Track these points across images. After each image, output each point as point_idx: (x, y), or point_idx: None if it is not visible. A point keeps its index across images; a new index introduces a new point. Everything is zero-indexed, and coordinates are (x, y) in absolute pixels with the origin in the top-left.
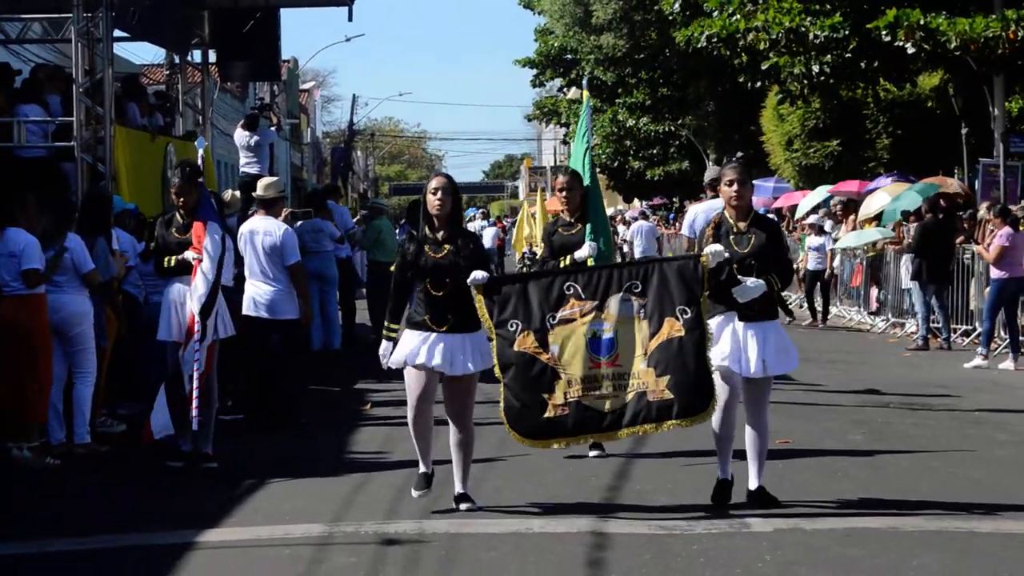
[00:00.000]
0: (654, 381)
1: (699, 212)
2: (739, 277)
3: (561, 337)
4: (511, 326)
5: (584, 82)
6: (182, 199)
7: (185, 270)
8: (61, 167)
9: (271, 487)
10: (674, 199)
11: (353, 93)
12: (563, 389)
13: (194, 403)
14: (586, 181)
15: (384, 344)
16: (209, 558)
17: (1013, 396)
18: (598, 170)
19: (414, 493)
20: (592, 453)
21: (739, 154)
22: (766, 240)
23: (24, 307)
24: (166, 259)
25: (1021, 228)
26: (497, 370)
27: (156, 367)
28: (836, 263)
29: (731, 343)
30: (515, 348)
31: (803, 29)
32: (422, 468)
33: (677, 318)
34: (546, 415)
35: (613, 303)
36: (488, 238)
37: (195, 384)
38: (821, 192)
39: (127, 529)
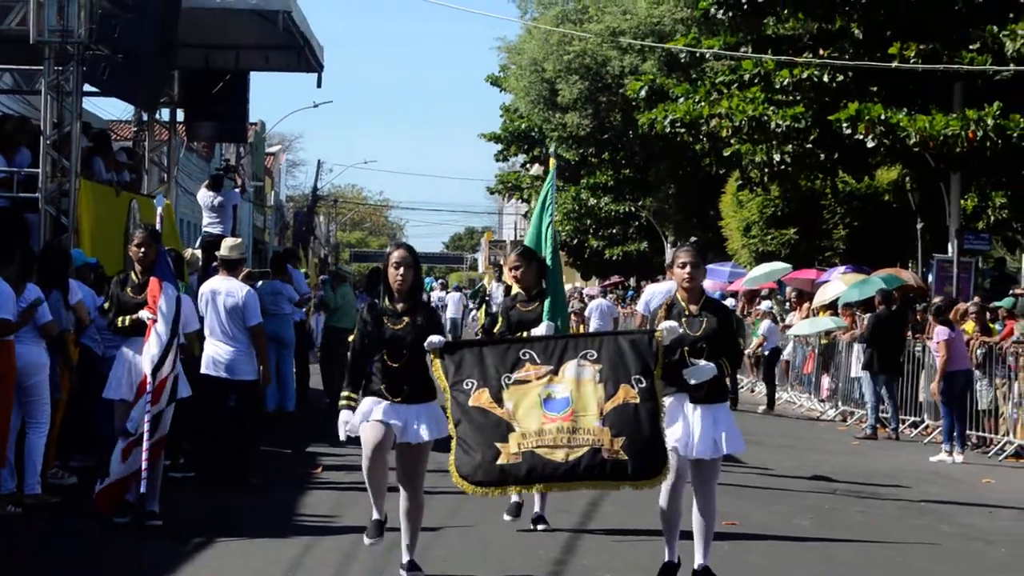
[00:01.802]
0: (609, 440)
1: (656, 292)
2: (690, 360)
3: (516, 396)
4: (466, 384)
5: (552, 150)
6: (143, 252)
7: (139, 330)
8: (24, 217)
9: (219, 546)
10: (631, 279)
11: (318, 159)
12: (517, 440)
13: (144, 463)
14: (547, 255)
15: (344, 413)
16: None
17: (958, 488)
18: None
19: (366, 541)
20: (539, 527)
21: (694, 238)
22: (717, 324)
23: None
24: (120, 319)
25: (968, 321)
26: (451, 426)
27: (110, 421)
28: (788, 350)
29: (681, 426)
30: (470, 404)
31: (765, 118)
32: (375, 515)
33: (632, 386)
34: (499, 462)
35: (569, 368)
36: (452, 306)
37: (144, 444)
38: (772, 268)
39: None
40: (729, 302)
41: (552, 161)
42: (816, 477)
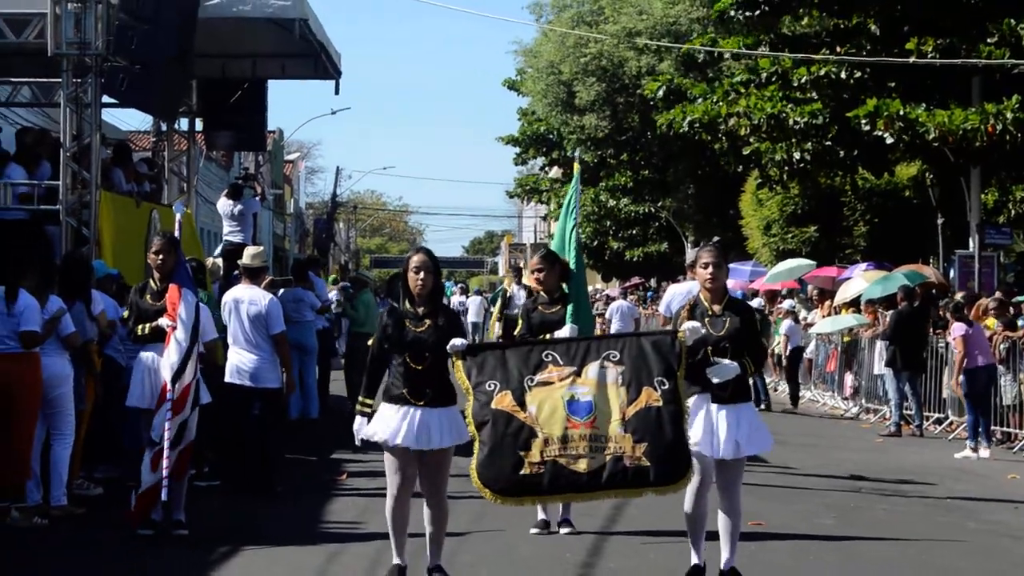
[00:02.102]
0: (631, 447)
1: (677, 293)
2: (713, 359)
3: (539, 398)
4: (489, 386)
5: (576, 153)
6: (161, 258)
7: (159, 337)
8: (45, 229)
9: (245, 554)
10: (651, 280)
11: (337, 165)
12: (539, 448)
13: (164, 471)
14: (571, 258)
15: (358, 420)
16: None
17: (984, 484)
18: None
19: None
20: (563, 530)
21: (716, 238)
22: (740, 323)
23: (18, 366)
24: (140, 327)
25: (989, 316)
26: (472, 429)
27: (134, 431)
28: (811, 348)
29: (704, 426)
30: (492, 406)
31: (784, 116)
32: (395, 559)
33: (655, 388)
34: (521, 472)
35: (591, 369)
36: (473, 309)
37: (165, 453)
38: (794, 265)
39: None
40: (756, 302)
41: (577, 165)
42: (853, 477)
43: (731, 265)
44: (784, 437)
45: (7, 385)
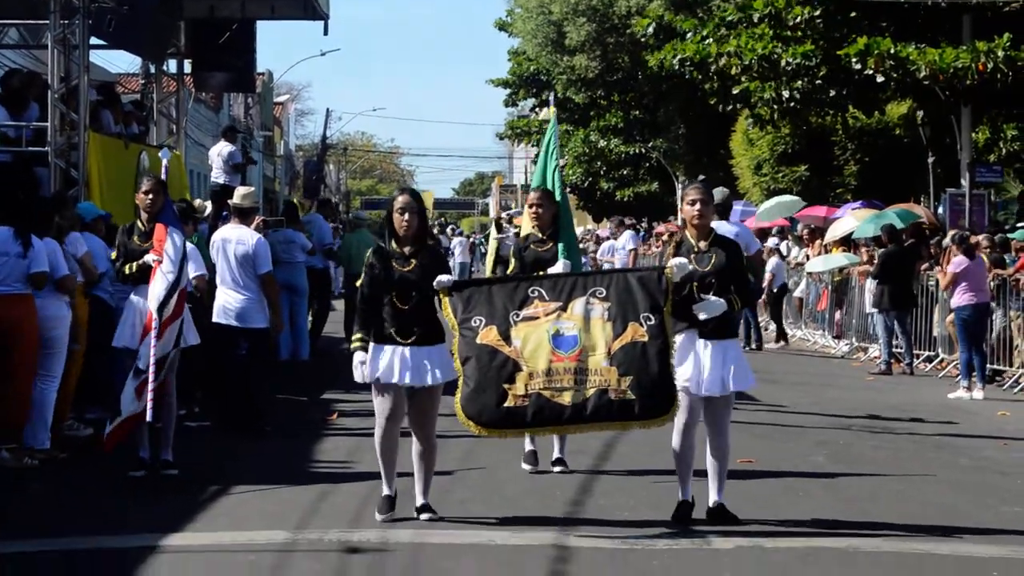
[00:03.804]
0: (616, 379)
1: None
2: (699, 296)
3: (524, 332)
4: (475, 322)
5: (551, 99)
6: (150, 198)
7: (147, 277)
8: (34, 171)
9: (235, 494)
10: (643, 220)
11: (327, 107)
12: (524, 381)
13: (148, 397)
14: (557, 197)
15: (358, 355)
16: (173, 562)
17: (974, 422)
18: (568, 190)
19: (378, 517)
20: (556, 469)
21: (701, 176)
22: (726, 259)
23: (19, 307)
24: (127, 266)
25: (982, 254)
26: (457, 364)
27: (124, 373)
28: (802, 287)
29: (692, 365)
30: (478, 341)
31: (775, 56)
32: (385, 490)
33: (641, 324)
34: (505, 404)
35: (577, 305)
36: (460, 250)
37: (150, 380)
38: (782, 201)
39: (91, 532)
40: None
41: (552, 110)
42: (867, 416)
43: None
44: (775, 376)
45: (9, 327)
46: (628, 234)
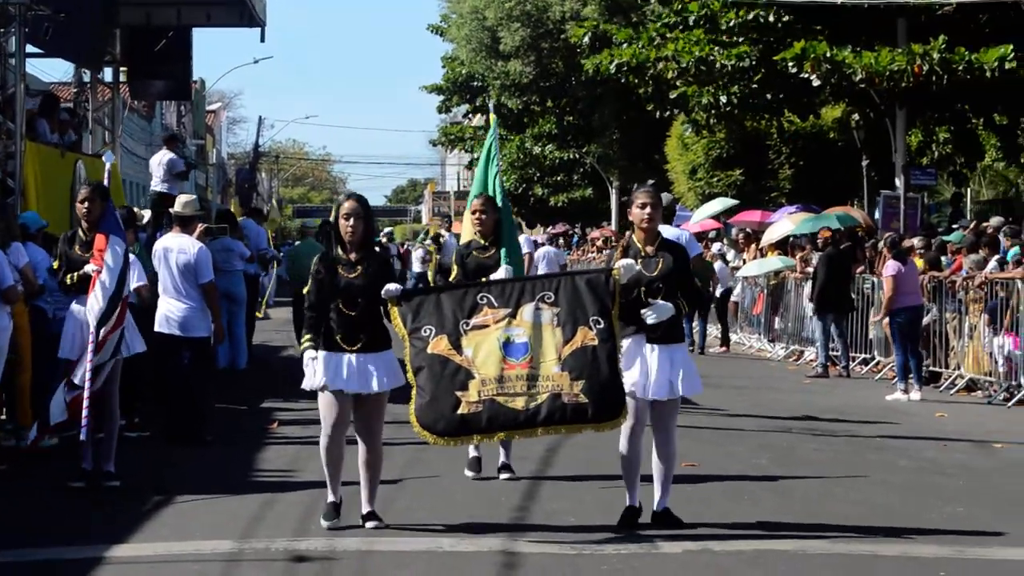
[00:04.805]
0: (568, 384)
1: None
2: (648, 300)
3: (475, 341)
4: (424, 331)
5: (491, 105)
6: (87, 207)
7: (88, 286)
8: None
9: (178, 504)
10: (576, 226)
11: (259, 115)
12: (477, 388)
13: (84, 413)
14: (499, 204)
15: (309, 352)
16: (119, 573)
17: (913, 424)
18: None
19: (324, 523)
20: (503, 476)
21: (651, 180)
22: (674, 263)
23: None
24: (68, 276)
25: (914, 256)
26: (410, 375)
27: (57, 383)
28: (737, 291)
29: (639, 369)
30: (429, 351)
31: (712, 59)
32: (331, 497)
33: (590, 328)
34: (459, 412)
35: (526, 311)
36: (417, 262)
37: (86, 395)
38: (718, 204)
39: (34, 544)
40: (717, 247)
41: (492, 117)
42: (806, 417)
43: None
44: (715, 380)
45: None
46: (523, 238)
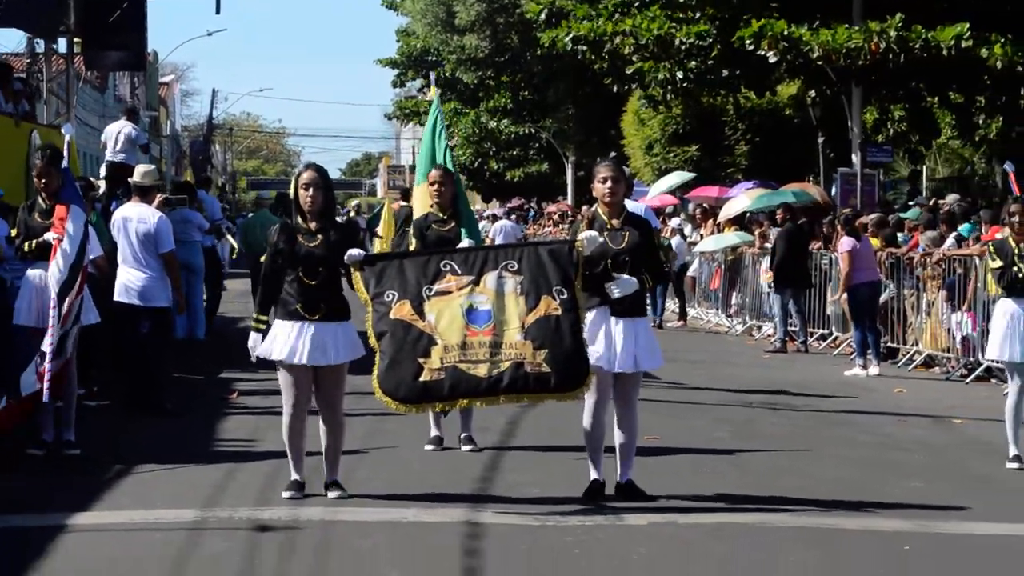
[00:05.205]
0: (531, 353)
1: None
2: (613, 274)
3: (437, 307)
4: (387, 296)
5: (432, 77)
6: (44, 181)
7: (46, 255)
8: None
9: (139, 473)
10: (532, 201)
11: (213, 88)
12: (439, 354)
13: (45, 385)
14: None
15: (253, 336)
16: (82, 541)
17: (872, 399)
18: (458, 170)
19: (284, 495)
20: (465, 448)
21: (612, 153)
22: (639, 238)
23: None
24: (27, 243)
25: (868, 235)
26: (372, 340)
27: (25, 350)
28: (695, 266)
29: (603, 342)
30: (391, 316)
31: (671, 36)
32: (294, 475)
33: (554, 297)
34: (421, 379)
35: (490, 279)
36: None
37: (47, 367)
38: (675, 177)
39: None
40: (676, 221)
41: (434, 90)
42: (778, 392)
43: None
44: (673, 354)
45: None
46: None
